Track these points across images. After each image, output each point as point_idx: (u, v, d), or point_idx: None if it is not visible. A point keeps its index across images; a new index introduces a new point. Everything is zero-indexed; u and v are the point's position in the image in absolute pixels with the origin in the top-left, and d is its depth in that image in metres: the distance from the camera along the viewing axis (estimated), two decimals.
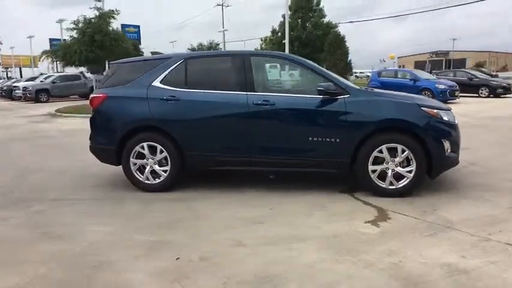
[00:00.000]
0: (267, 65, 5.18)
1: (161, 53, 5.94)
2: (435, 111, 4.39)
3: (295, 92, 4.67)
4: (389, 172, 4.34)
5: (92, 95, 4.99)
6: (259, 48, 47.05)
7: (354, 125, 4.34)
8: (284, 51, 30.60)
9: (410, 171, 4.30)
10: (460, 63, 79.90)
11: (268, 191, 4.67)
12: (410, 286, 2.59)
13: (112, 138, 4.78)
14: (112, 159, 4.90)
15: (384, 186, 4.37)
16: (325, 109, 4.39)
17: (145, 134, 4.72)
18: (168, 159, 4.66)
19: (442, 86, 16.16)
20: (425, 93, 16.24)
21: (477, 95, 19.62)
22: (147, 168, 4.72)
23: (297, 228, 3.62)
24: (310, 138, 4.41)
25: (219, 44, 62.25)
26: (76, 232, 3.61)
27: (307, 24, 31.94)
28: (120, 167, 4.82)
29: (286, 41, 22.69)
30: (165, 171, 4.70)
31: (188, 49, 64.12)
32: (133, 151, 4.71)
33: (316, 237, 3.41)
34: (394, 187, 4.35)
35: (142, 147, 4.69)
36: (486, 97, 19.22)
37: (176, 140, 4.62)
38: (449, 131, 4.39)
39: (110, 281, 2.73)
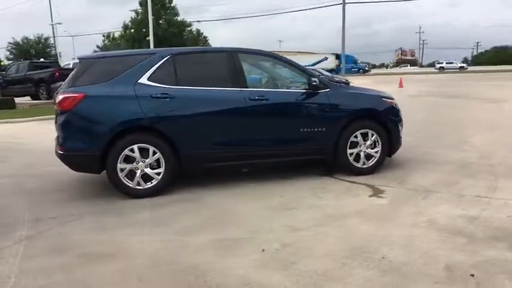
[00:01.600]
0: (254, 62, 5.32)
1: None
2: (390, 100, 5.36)
3: (282, 87, 5.01)
4: (362, 154, 5.12)
5: (62, 95, 4.29)
6: (101, 44, 43.86)
7: (337, 115, 4.97)
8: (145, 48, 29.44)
9: (377, 152, 5.17)
10: None
11: (260, 182, 4.92)
12: (458, 234, 3.31)
13: (95, 142, 4.27)
14: (93, 167, 4.37)
15: (358, 166, 5.13)
16: (313, 102, 4.89)
17: (136, 135, 4.38)
18: (162, 160, 4.42)
19: None
20: None
21: None
22: (138, 173, 4.38)
23: (325, 208, 4.03)
24: (301, 129, 4.85)
25: (48, 38, 55.42)
26: (119, 247, 3.24)
27: (161, 22, 31.42)
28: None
29: (151, 37, 21.99)
30: (157, 173, 4.44)
31: (9, 43, 55.11)
32: (121, 155, 4.31)
33: (350, 213, 3.89)
34: (366, 166, 5.16)
35: (132, 150, 4.34)
36: None
37: (172, 140, 4.44)
38: (400, 116, 5.42)
39: (229, 282, 2.67)
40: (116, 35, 35.96)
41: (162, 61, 4.53)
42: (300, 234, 3.42)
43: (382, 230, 3.47)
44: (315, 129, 4.89)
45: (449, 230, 3.41)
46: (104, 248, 3.21)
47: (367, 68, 57.17)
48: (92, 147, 4.28)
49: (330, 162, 5.17)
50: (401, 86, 23.33)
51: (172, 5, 32.58)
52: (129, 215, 3.97)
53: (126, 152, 4.32)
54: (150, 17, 22.16)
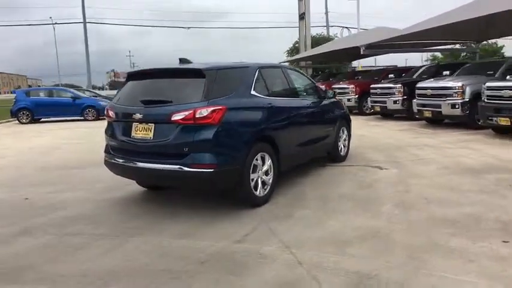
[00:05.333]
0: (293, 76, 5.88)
1: (189, 60, 4.41)
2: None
3: (306, 96, 6.07)
4: (342, 145, 6.90)
5: (210, 108, 3.90)
6: None
7: (337, 117, 6.54)
8: None
9: (347, 143, 7.08)
10: None
11: (294, 179, 5.84)
12: (467, 172, 5.69)
13: (238, 155, 4.21)
14: (236, 181, 4.24)
15: (342, 154, 6.87)
16: (328, 107, 6.28)
17: (259, 144, 4.53)
18: (272, 167, 4.75)
19: (103, 103, 17.33)
20: (90, 110, 16.98)
21: None
22: (259, 181, 4.56)
23: (384, 180, 5.54)
24: (325, 129, 6.17)
25: None
26: (371, 230, 3.81)
27: None
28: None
29: None
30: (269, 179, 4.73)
31: None
32: (252, 165, 4.41)
33: (399, 180, 5.54)
34: (344, 154, 6.95)
35: (257, 159, 4.49)
36: None
37: (277, 146, 4.81)
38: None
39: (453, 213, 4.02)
40: None
41: (256, 74, 4.81)
42: (414, 193, 4.88)
43: (436, 180, 5.42)
44: (330, 129, 6.30)
45: (459, 172, 5.74)
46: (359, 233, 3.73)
47: None
48: (235, 160, 4.16)
49: (332, 154, 6.66)
50: None
51: None
52: (293, 215, 4.27)
53: (254, 161, 4.43)
54: None
